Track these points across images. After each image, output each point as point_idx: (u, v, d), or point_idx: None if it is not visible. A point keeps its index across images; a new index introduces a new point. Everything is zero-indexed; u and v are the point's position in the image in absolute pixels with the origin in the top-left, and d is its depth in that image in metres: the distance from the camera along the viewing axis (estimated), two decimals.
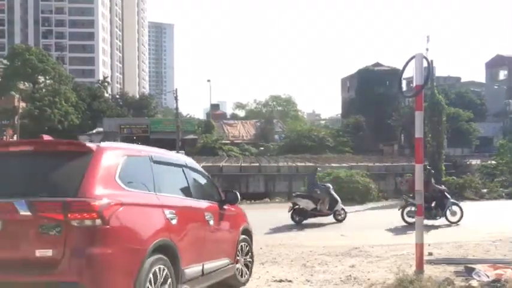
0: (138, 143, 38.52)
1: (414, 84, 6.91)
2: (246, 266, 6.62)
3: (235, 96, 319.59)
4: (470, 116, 48.08)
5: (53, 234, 3.59)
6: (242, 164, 26.23)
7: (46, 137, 4.33)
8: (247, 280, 6.63)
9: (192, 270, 4.78)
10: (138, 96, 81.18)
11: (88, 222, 3.63)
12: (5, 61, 58.99)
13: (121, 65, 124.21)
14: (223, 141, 47.78)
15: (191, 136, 50.56)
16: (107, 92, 73.14)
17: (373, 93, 53.75)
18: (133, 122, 54.26)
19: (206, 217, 5.37)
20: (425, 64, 6.74)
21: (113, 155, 4.22)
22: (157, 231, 4.21)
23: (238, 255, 6.25)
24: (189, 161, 6.08)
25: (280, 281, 7.09)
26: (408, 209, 12.58)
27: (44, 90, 55.05)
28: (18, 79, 53.06)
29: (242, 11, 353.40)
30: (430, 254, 8.41)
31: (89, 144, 4.26)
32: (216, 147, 43.02)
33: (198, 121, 59.32)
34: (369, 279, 6.98)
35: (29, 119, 50.16)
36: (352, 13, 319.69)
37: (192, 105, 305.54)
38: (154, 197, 4.44)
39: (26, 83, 55.18)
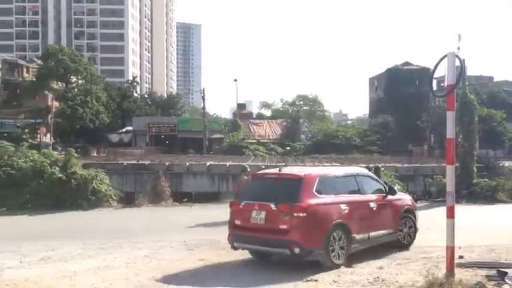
0: (166, 142, 38.77)
1: (446, 84, 6.78)
2: (409, 235, 9.52)
3: (261, 96, 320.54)
4: (503, 117, 46.62)
5: (287, 219, 7.59)
6: (268, 164, 26.22)
7: (283, 171, 8.69)
8: (410, 243, 9.51)
9: (360, 236, 8.28)
10: (166, 96, 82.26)
11: (300, 214, 7.53)
12: (39, 61, 60.71)
13: (150, 65, 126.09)
14: (250, 141, 47.89)
15: (218, 135, 50.90)
16: (136, 92, 74.37)
17: (402, 92, 52.80)
18: (161, 121, 55.00)
19: (370, 205, 8.69)
20: (457, 63, 6.61)
21: (312, 178, 8.04)
22: (336, 217, 7.93)
23: (401, 227, 9.34)
24: (360, 171, 9.73)
25: (307, 280, 7.08)
26: None
27: (76, 89, 56.39)
28: (51, 79, 54.47)
29: (269, 10, 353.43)
30: (461, 257, 8.23)
31: (300, 174, 8.17)
32: (242, 147, 43.16)
33: (225, 120, 59.65)
34: (397, 281, 6.89)
35: (61, 118, 51.47)
36: (382, 11, 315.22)
37: (219, 104, 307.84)
38: (334, 198, 8.14)
39: (59, 83, 56.62)
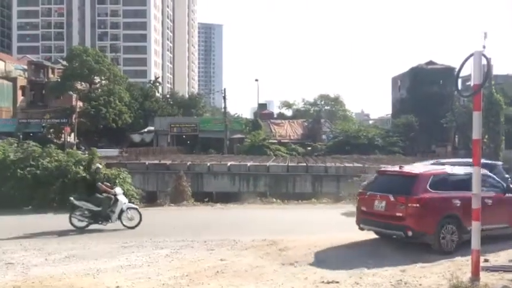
0: (187, 142, 39.04)
1: (472, 83, 6.63)
2: None
3: (282, 96, 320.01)
4: None
5: (402, 208, 9.02)
6: (289, 164, 26.14)
7: (402, 168, 10.11)
8: None
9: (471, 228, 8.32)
10: (187, 96, 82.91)
11: (414, 205, 8.94)
12: (64, 62, 61.95)
13: (171, 66, 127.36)
14: (271, 141, 47.85)
15: (238, 135, 51.02)
16: (158, 92, 75.20)
17: (425, 92, 51.97)
18: (183, 121, 55.45)
19: (485, 200, 8.70)
20: (483, 62, 6.45)
21: (426, 176, 9.43)
22: (448, 209, 9.13)
23: None
24: None
25: (328, 282, 7.02)
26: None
27: (99, 90, 57.35)
28: (76, 79, 55.56)
29: (290, 10, 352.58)
30: (487, 260, 8.04)
31: (416, 172, 9.64)
32: (263, 147, 43.17)
33: (246, 120, 59.79)
34: (420, 284, 6.78)
35: (85, 118, 52.38)
36: (405, 10, 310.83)
37: (240, 104, 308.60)
38: (448, 193, 9.28)
39: (83, 83, 57.68)
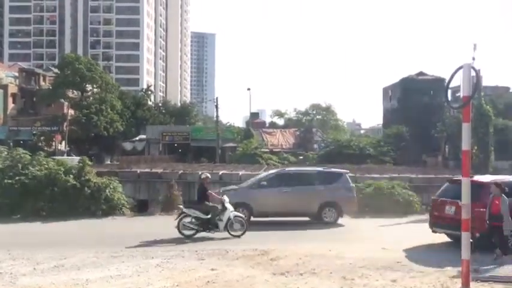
0: (179, 150, 38.83)
1: (461, 95, 6.72)
2: None
3: (274, 105, 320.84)
4: None
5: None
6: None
7: (472, 177, 8.83)
8: None
9: None
10: (179, 105, 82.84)
11: (480, 209, 9.58)
12: (55, 70, 61.68)
13: (164, 74, 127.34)
14: (263, 150, 47.83)
15: (230, 144, 50.95)
16: (150, 100, 75.01)
17: (416, 103, 52.34)
18: (175, 130, 55.31)
19: None
20: (473, 74, 6.54)
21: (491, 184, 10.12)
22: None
23: None
24: None
25: None
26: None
27: (91, 98, 57.09)
28: (67, 87, 55.24)
29: (282, 19, 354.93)
30: (477, 270, 8.09)
31: (483, 181, 10.47)
32: (255, 155, 43.14)
33: (238, 129, 59.77)
34: None
35: (76, 126, 52.08)
36: (396, 21, 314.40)
37: (232, 113, 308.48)
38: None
39: (74, 91, 57.41)
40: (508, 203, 9.63)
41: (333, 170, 17.33)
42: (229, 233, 12.43)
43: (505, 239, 9.64)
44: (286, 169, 18.06)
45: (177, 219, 12.53)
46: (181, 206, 12.82)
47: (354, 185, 16.30)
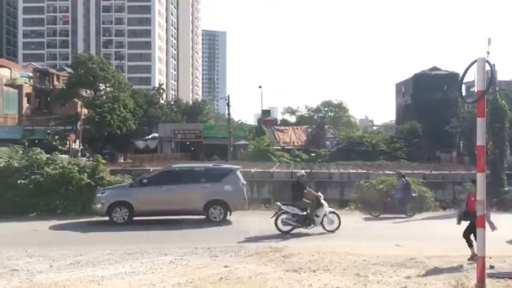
0: (191, 148, 39.02)
1: (476, 90, 6.63)
2: None
3: (286, 102, 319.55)
4: None
5: None
6: (293, 170, 26.08)
7: None
8: None
9: None
10: (191, 103, 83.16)
11: None
12: (69, 69, 62.34)
13: (176, 73, 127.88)
14: (275, 147, 47.80)
15: (242, 142, 51.02)
16: (162, 99, 75.46)
17: (430, 98, 51.84)
18: (187, 128, 55.50)
19: None
20: (487, 68, 6.45)
21: None
22: None
23: None
24: None
25: None
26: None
27: (104, 97, 57.60)
28: (81, 87, 55.81)
29: (294, 17, 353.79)
30: (492, 267, 8.00)
31: None
32: (268, 153, 43.12)
33: (250, 127, 59.76)
34: None
35: (90, 125, 52.61)
36: (408, 16, 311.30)
37: (244, 111, 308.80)
38: None
39: (88, 91, 57.96)
40: None
41: (224, 166, 16.98)
42: (324, 228, 12.90)
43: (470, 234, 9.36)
44: (173, 166, 17.40)
45: (275, 216, 12.96)
46: (279, 203, 13.21)
47: (245, 182, 15.68)
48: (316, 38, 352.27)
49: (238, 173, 15.73)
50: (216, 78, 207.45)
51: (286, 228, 12.82)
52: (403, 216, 16.52)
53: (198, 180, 15.12)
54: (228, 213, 15.02)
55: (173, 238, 12.39)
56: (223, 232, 13.37)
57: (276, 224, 12.79)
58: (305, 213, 12.83)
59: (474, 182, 9.62)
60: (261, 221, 14.16)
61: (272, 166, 28.94)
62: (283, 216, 12.82)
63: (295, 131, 57.39)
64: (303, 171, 15.88)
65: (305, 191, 13.22)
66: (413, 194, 17.25)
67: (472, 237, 9.12)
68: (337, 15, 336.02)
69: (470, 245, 9.18)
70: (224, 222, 14.78)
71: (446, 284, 7.08)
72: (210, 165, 17.44)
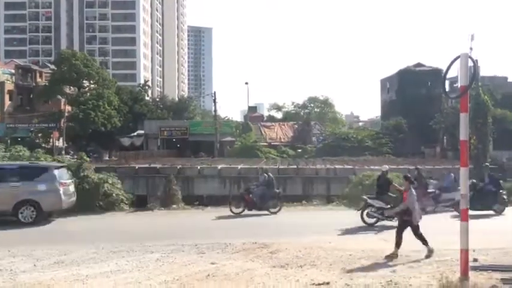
0: (177, 145, 38.89)
1: (459, 85, 6.70)
2: None
3: (272, 98, 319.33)
4: None
5: None
6: (280, 167, 26.16)
7: None
8: None
9: None
10: (177, 99, 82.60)
11: None
12: (52, 66, 61.38)
13: (161, 69, 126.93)
14: (261, 144, 47.84)
15: (229, 138, 50.93)
16: (148, 96, 74.80)
17: (414, 94, 52.42)
18: (173, 125, 55.20)
19: None
20: (470, 64, 6.52)
21: None
22: None
23: None
24: None
25: (319, 284, 7.04)
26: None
27: (88, 94, 56.86)
28: (64, 83, 55.00)
29: (279, 13, 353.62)
30: (476, 260, 8.12)
31: None
32: (254, 149, 43.15)
33: (236, 123, 59.65)
34: (410, 285, 6.82)
35: (74, 122, 51.94)
36: (393, 12, 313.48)
37: (230, 107, 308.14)
38: None
39: (71, 87, 57.18)
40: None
41: (38, 164, 16.17)
42: None
43: (419, 231, 9.20)
44: None
45: (361, 209, 13.40)
46: (365, 197, 13.57)
47: (68, 181, 14.99)
48: (302, 34, 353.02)
49: (56, 171, 14.66)
50: (202, 74, 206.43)
51: (371, 220, 13.30)
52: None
53: (7, 179, 14.14)
54: (44, 214, 14.19)
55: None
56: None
57: (361, 217, 13.30)
58: (389, 206, 13.05)
59: (406, 178, 9.75)
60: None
61: (259, 162, 28.96)
62: (369, 209, 13.29)
63: (282, 127, 57.50)
64: (387, 166, 15.53)
65: (391, 185, 13.33)
66: (276, 190, 16.61)
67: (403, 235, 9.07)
68: (322, 11, 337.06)
69: (398, 243, 9.01)
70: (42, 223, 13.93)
71: (430, 277, 7.17)
72: (26, 162, 16.34)
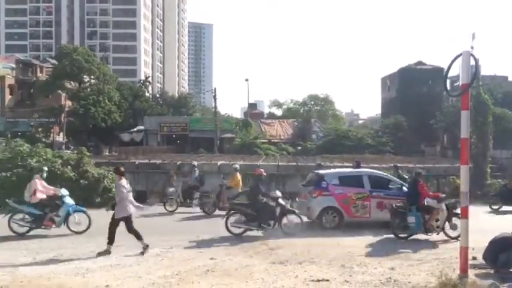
0: (177, 141, 38.82)
1: (460, 83, 6.70)
2: None
3: (272, 95, 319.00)
4: None
5: None
6: (279, 163, 26.15)
7: None
8: None
9: None
10: (177, 95, 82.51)
11: None
12: (53, 61, 61.31)
13: (161, 65, 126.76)
14: (261, 140, 47.83)
15: (229, 135, 50.92)
16: (148, 91, 74.66)
17: (415, 92, 52.40)
18: (173, 121, 55.17)
19: None
20: (472, 62, 6.53)
21: None
22: None
23: None
24: None
25: (318, 280, 7.05)
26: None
27: (88, 89, 56.81)
28: (65, 78, 54.97)
29: (280, 10, 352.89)
30: (474, 258, 8.14)
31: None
32: (254, 146, 43.13)
33: (236, 120, 59.63)
34: (409, 282, 6.84)
35: (74, 117, 51.94)
36: (394, 11, 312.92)
37: (230, 104, 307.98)
38: None
39: (72, 82, 57.13)
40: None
41: None
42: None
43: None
44: None
45: None
46: None
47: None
48: (303, 31, 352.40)
49: None
50: (202, 71, 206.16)
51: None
52: None
53: None
54: None
55: None
56: None
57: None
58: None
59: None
60: None
61: (258, 159, 28.97)
62: None
63: (282, 124, 57.47)
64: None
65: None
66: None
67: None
68: (323, 9, 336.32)
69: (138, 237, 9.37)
70: None
71: (429, 274, 7.19)
72: None
